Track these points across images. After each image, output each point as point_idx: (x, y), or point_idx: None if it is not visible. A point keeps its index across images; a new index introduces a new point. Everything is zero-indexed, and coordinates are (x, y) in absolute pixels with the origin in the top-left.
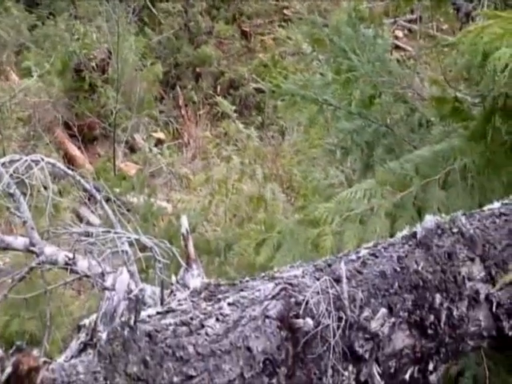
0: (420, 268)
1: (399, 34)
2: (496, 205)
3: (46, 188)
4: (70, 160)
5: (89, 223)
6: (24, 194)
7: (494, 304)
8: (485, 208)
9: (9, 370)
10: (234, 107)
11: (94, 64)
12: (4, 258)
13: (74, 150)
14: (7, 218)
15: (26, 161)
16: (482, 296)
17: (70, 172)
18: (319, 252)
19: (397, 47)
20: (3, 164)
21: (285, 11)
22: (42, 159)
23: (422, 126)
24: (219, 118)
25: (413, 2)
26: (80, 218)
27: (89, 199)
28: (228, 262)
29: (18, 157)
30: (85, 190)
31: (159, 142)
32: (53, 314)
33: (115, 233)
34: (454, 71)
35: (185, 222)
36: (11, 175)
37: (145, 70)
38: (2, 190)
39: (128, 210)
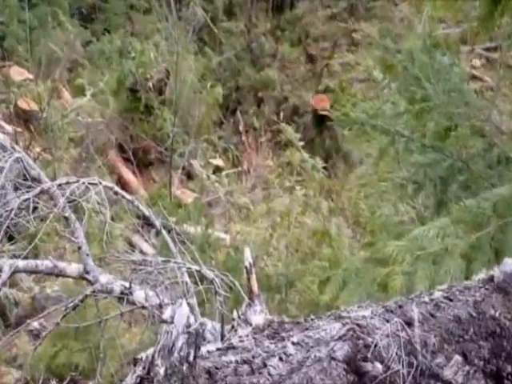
0: (497, 314)
1: (476, 63)
2: None
3: (100, 213)
4: (123, 185)
5: (142, 252)
6: (79, 219)
7: None
8: None
9: None
10: (298, 135)
11: (150, 84)
12: (52, 286)
13: (127, 174)
14: (57, 242)
15: (83, 183)
16: None
17: (128, 197)
18: (388, 292)
19: (474, 77)
20: (59, 186)
21: (353, 34)
22: (100, 182)
23: (501, 163)
24: (281, 146)
25: (493, 29)
26: (132, 247)
27: (142, 227)
28: (289, 299)
29: (75, 179)
30: (139, 216)
31: (217, 170)
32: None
33: (175, 262)
34: None
35: (248, 254)
36: (67, 198)
37: (204, 93)
38: (57, 213)
39: (183, 242)
